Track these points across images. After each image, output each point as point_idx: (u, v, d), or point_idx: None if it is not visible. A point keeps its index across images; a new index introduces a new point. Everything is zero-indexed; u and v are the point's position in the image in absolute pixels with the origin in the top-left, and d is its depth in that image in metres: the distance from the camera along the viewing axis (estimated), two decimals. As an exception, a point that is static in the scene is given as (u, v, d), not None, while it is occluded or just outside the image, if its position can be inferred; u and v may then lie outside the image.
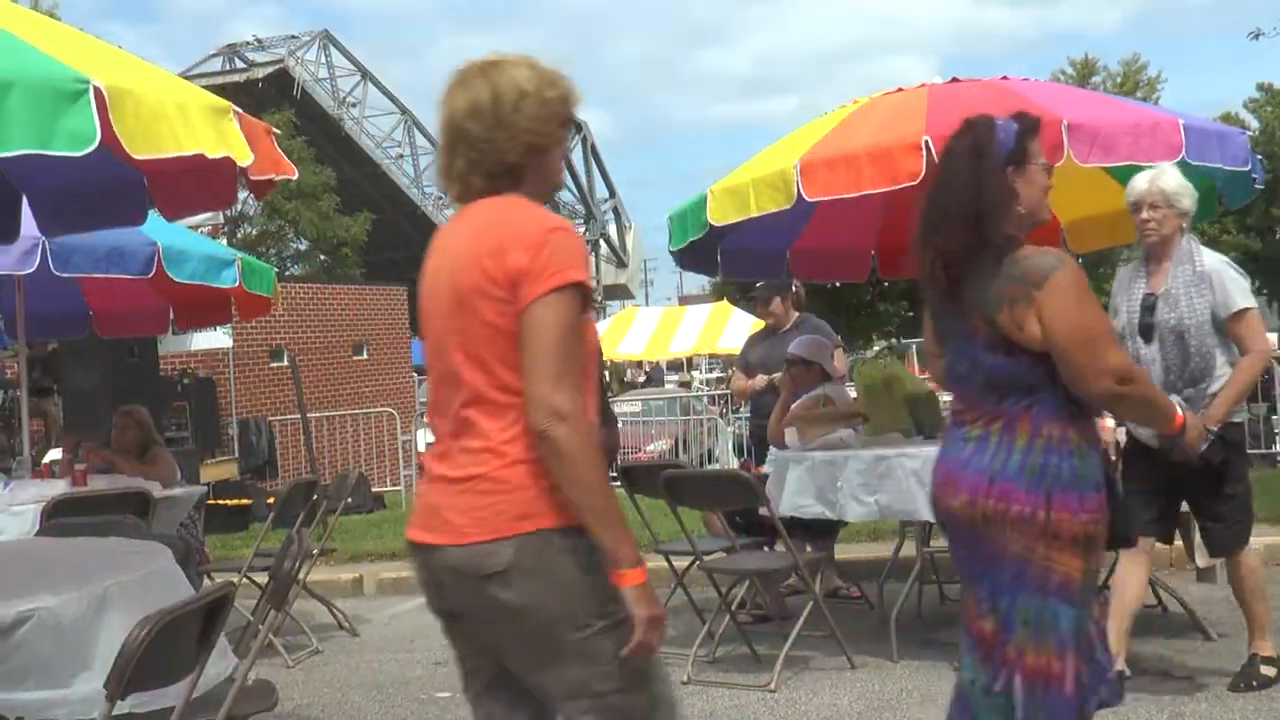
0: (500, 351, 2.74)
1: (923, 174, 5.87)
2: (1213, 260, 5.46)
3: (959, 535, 3.56)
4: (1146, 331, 5.49)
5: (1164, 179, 5.54)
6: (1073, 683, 3.38)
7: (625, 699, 2.81)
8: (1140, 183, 5.58)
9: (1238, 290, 5.38)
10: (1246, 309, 5.37)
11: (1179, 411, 3.74)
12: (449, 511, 2.80)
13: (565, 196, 75.22)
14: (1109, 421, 5.61)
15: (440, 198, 65.87)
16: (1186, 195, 5.52)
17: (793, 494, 6.64)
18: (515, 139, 2.85)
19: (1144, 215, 5.51)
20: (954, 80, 6.91)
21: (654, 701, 2.88)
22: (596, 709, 2.79)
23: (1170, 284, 5.44)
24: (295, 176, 5.38)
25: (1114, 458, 5.51)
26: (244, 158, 4.67)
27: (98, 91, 3.97)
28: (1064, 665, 3.38)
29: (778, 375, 7.70)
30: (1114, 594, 5.35)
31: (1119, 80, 44.38)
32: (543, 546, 2.73)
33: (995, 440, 3.43)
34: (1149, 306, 5.50)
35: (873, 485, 6.33)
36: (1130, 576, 5.52)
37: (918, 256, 3.61)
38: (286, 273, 36.79)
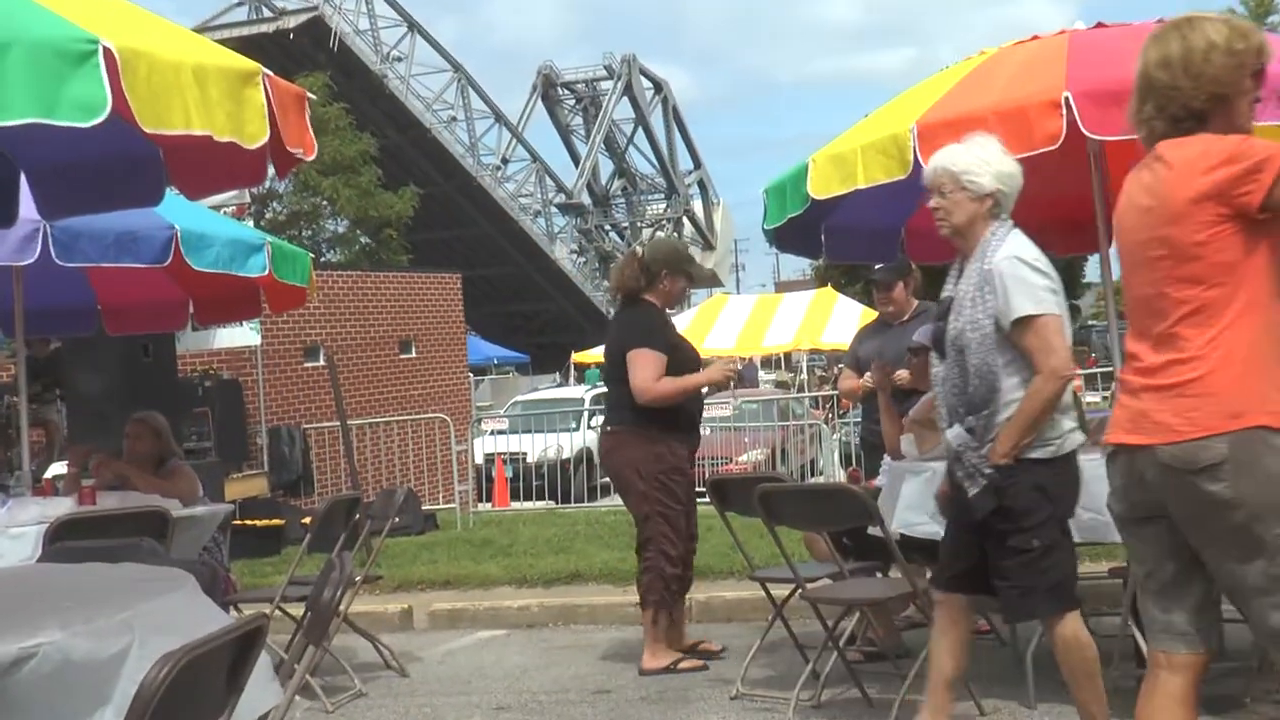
0: (1207, 269, 3.55)
1: (1063, 136, 5.80)
2: (1003, 255, 5.04)
3: None
4: (939, 344, 5.25)
5: (950, 155, 5.21)
6: None
7: None
8: (928, 163, 5.37)
9: (1023, 293, 4.96)
10: (1032, 316, 4.95)
11: None
12: (1159, 414, 3.62)
13: (644, 168, 75.56)
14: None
15: (498, 168, 66.42)
16: (986, 174, 5.12)
17: (905, 509, 6.52)
18: (1200, 87, 3.65)
19: (932, 203, 5.22)
20: (1099, 26, 6.83)
21: None
22: None
23: (961, 286, 5.14)
24: (313, 157, 5.40)
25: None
26: (253, 140, 4.68)
27: (108, 53, 4.02)
28: None
29: (899, 373, 7.58)
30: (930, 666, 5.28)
31: (1301, 20, 43.61)
32: (1255, 442, 3.48)
33: None
34: (943, 314, 5.24)
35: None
36: (939, 644, 5.30)
37: None
38: (322, 259, 37.13)
